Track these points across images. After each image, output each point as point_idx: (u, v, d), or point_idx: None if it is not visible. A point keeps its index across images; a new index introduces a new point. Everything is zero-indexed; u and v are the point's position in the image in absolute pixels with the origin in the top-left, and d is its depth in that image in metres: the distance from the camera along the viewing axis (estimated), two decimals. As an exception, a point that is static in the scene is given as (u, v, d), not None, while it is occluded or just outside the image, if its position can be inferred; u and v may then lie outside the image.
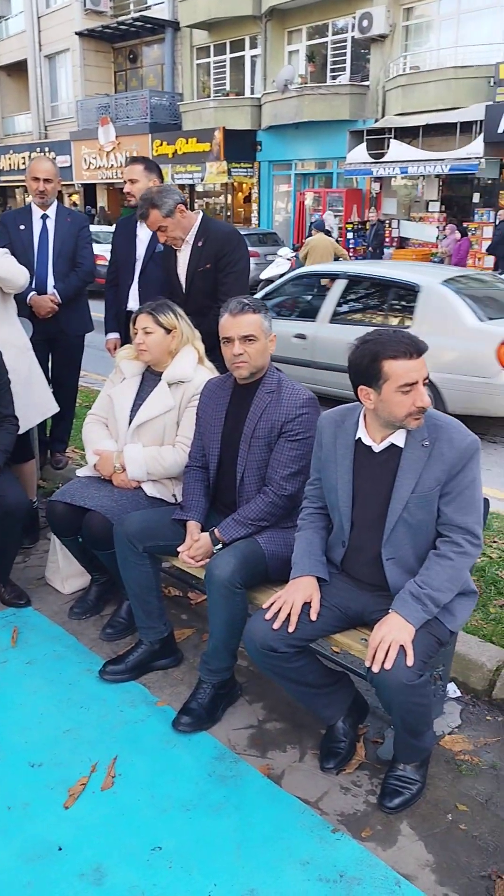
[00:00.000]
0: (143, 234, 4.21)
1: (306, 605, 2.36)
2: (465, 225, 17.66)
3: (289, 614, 2.33)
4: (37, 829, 2.22)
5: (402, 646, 2.15)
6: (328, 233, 16.82)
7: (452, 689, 2.84)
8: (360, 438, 2.39)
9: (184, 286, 3.75)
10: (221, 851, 2.15)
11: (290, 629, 2.31)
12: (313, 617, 2.35)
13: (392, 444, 2.33)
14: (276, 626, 2.32)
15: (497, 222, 16.34)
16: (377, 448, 2.36)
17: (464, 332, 6.01)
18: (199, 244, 3.67)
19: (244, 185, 24.83)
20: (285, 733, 2.66)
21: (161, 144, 24.50)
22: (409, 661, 2.13)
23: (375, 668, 2.14)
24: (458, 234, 15.44)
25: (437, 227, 19.37)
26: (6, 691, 2.83)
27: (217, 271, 3.66)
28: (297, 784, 2.42)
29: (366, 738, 2.62)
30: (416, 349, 2.18)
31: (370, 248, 17.30)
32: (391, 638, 2.16)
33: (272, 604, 2.38)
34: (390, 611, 2.24)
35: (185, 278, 3.74)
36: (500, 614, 3.25)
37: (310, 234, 14.14)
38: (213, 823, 2.25)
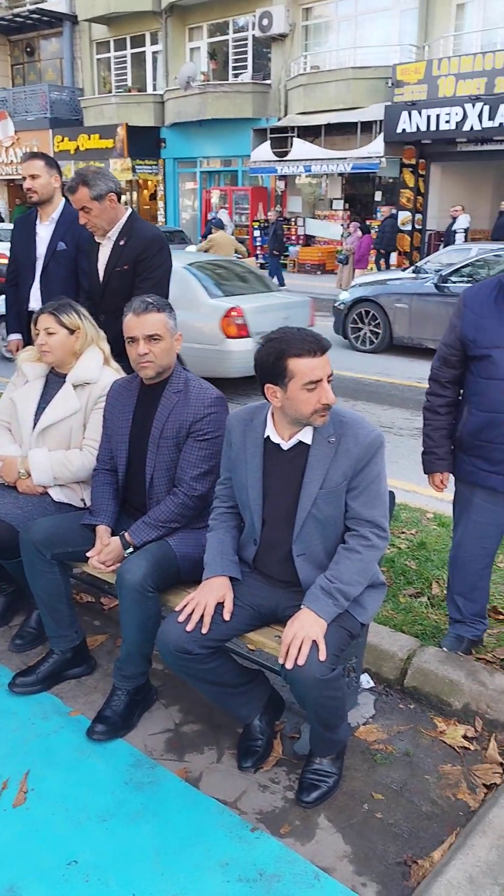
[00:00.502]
0: (44, 232, 4.10)
1: (219, 606, 2.35)
2: (367, 222, 18.07)
3: (202, 616, 2.32)
4: None
5: (314, 641, 2.17)
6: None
7: (366, 680, 2.89)
8: (268, 437, 2.40)
9: (101, 285, 3.66)
10: (140, 860, 2.12)
11: (204, 630, 2.30)
12: (226, 617, 2.34)
13: (300, 442, 2.35)
14: (189, 628, 2.30)
15: (382, 219, 16.85)
16: (285, 446, 2.37)
17: (198, 308, 7.32)
18: (121, 243, 3.57)
19: (149, 183, 24.64)
20: (202, 735, 2.65)
21: (62, 140, 24.03)
22: (322, 656, 2.15)
23: (289, 665, 2.15)
24: (360, 233, 15.78)
25: (342, 225, 19.73)
26: None
27: (135, 275, 3.56)
28: (216, 785, 2.41)
29: (282, 734, 2.64)
30: (319, 347, 2.20)
31: (272, 249, 17.39)
32: (303, 634, 2.18)
33: (185, 606, 2.36)
34: (302, 606, 2.26)
35: (102, 276, 3.65)
36: (410, 604, 3.33)
37: (210, 232, 14.30)
38: (131, 832, 2.21)
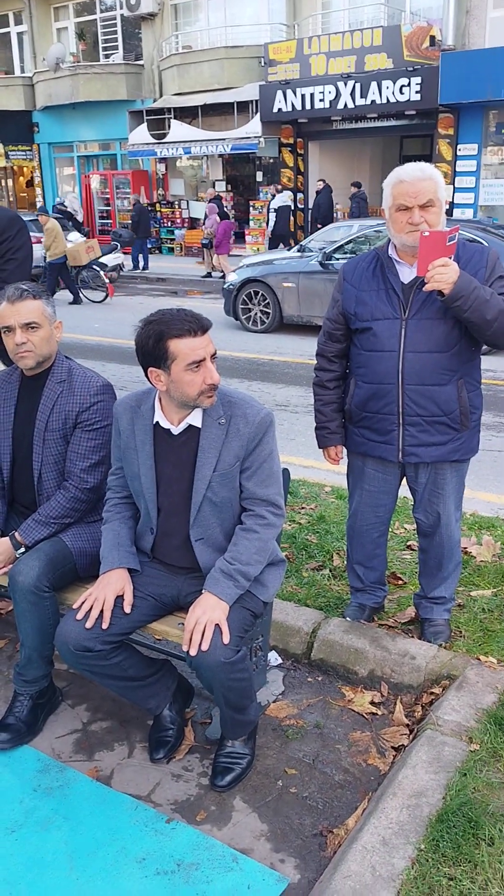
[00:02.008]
0: None
1: (119, 599, 2.29)
2: (251, 203, 18.09)
3: (101, 611, 2.25)
4: None
5: (217, 625, 2.14)
6: (70, 216, 16.76)
7: (273, 658, 2.90)
8: (157, 422, 2.34)
9: None
10: (53, 868, 2.05)
11: (104, 626, 2.24)
12: (127, 610, 2.29)
13: (190, 426, 2.31)
14: (88, 624, 2.23)
15: (270, 198, 17.03)
16: (176, 430, 2.32)
17: None
18: None
19: (25, 170, 23.82)
20: (112, 731, 2.59)
21: None
22: (226, 639, 2.13)
23: (192, 652, 2.12)
24: (216, 217, 15.65)
25: (226, 208, 19.70)
26: None
27: None
28: (128, 780, 2.36)
29: (193, 720, 2.61)
30: (199, 326, 2.16)
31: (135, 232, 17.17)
32: (206, 619, 2.15)
33: (83, 603, 2.29)
34: (203, 591, 2.23)
35: None
36: (313, 577, 3.37)
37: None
38: (43, 840, 2.14)
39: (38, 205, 22.71)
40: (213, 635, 2.13)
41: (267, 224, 17.58)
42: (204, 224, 16.30)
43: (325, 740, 2.52)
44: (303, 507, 4.14)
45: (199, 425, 2.30)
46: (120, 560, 2.37)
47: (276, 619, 2.89)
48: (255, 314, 10.55)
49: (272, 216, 16.67)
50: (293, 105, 16.35)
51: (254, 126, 17.33)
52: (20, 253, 3.50)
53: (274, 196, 17.12)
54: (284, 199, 16.77)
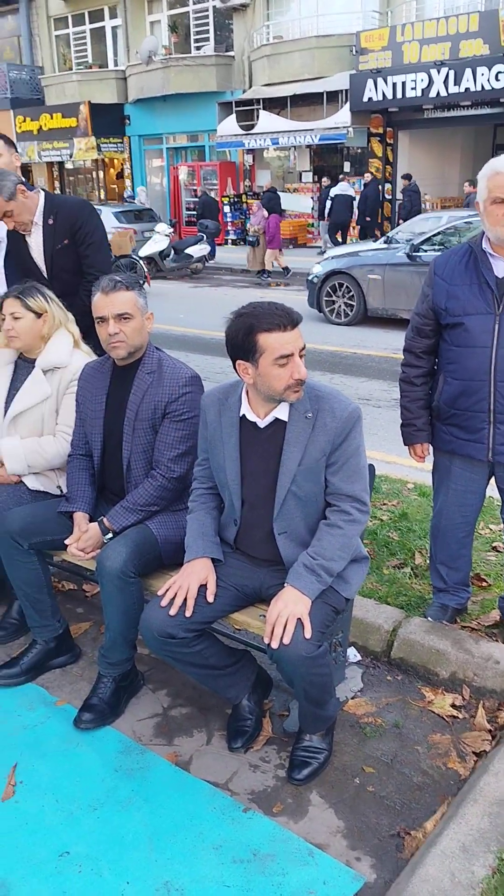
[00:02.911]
0: (1, 214, 3.98)
1: (202, 588, 2.32)
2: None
3: (185, 599, 2.29)
4: None
5: (299, 619, 2.15)
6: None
7: (353, 654, 2.89)
8: (244, 415, 2.36)
9: (44, 269, 3.56)
10: (132, 847, 2.10)
11: (188, 614, 2.27)
12: (210, 599, 2.31)
13: (276, 419, 2.31)
14: (172, 612, 2.27)
15: (363, 188, 16.80)
16: (262, 423, 2.33)
17: None
18: (50, 222, 3.48)
19: (115, 161, 24.27)
20: (191, 718, 2.63)
21: (24, 120, 23.56)
22: (307, 634, 2.13)
23: (274, 644, 2.13)
24: (264, 212, 15.20)
25: (312, 198, 19.61)
26: None
27: (76, 245, 3.50)
28: (206, 767, 2.40)
29: (271, 712, 2.63)
30: (290, 321, 2.15)
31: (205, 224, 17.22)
32: (288, 612, 2.15)
33: (167, 590, 2.33)
34: (285, 584, 2.24)
35: (43, 261, 3.55)
36: (394, 575, 3.33)
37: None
38: (123, 819, 2.19)
39: (128, 196, 23.15)
40: (295, 630, 2.13)
41: (321, 212, 17.39)
42: (251, 221, 16.04)
43: (404, 740, 2.49)
44: (384, 504, 4.09)
45: (286, 419, 2.30)
46: (204, 549, 2.40)
47: (356, 616, 2.87)
48: (339, 306, 10.47)
49: (328, 204, 16.49)
50: (384, 94, 16.09)
51: (343, 116, 17.14)
52: (95, 235, 3.55)
53: (329, 185, 16.94)
54: (344, 187, 16.57)
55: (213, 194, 19.67)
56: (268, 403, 2.30)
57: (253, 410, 2.33)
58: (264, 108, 18.66)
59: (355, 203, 16.63)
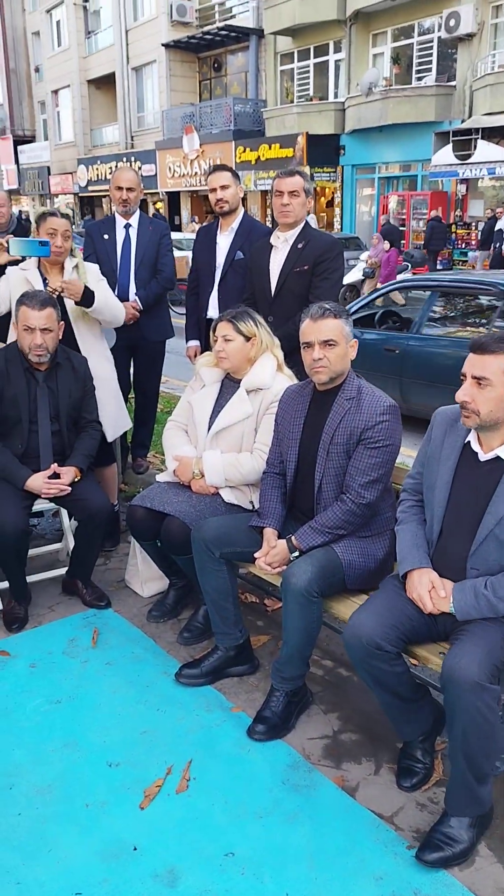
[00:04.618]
0: (223, 242, 4.25)
1: (407, 606, 2.33)
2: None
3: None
4: (113, 828, 2.26)
5: (471, 652, 2.08)
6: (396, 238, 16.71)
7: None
8: (469, 443, 2.34)
9: (273, 287, 3.79)
10: (294, 861, 2.14)
11: (429, 609, 2.27)
12: (441, 594, 2.28)
13: (498, 457, 2.28)
14: (429, 609, 2.28)
15: (488, 217, 16.19)
16: (483, 457, 2.30)
17: None
18: (300, 246, 3.76)
19: (327, 190, 24.77)
20: (360, 745, 2.63)
21: (244, 151, 24.69)
22: (478, 660, 2.06)
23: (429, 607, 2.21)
24: (385, 245, 14.40)
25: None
26: (88, 691, 2.90)
27: (313, 275, 3.72)
28: (372, 798, 2.39)
29: (443, 754, 2.56)
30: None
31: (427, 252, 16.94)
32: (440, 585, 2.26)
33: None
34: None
35: (277, 278, 3.78)
36: None
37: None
38: (287, 832, 2.24)
39: (337, 224, 23.53)
40: (468, 657, 2.06)
41: (482, 243, 16.72)
42: (369, 253, 15.19)
43: None
44: None
45: None
46: (420, 560, 2.38)
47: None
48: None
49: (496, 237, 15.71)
50: None
51: None
52: (335, 274, 3.79)
53: (494, 216, 16.13)
54: None
55: (423, 223, 19.53)
56: (492, 437, 2.27)
57: (479, 441, 2.31)
58: (483, 138, 18.26)
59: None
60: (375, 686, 2.36)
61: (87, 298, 3.53)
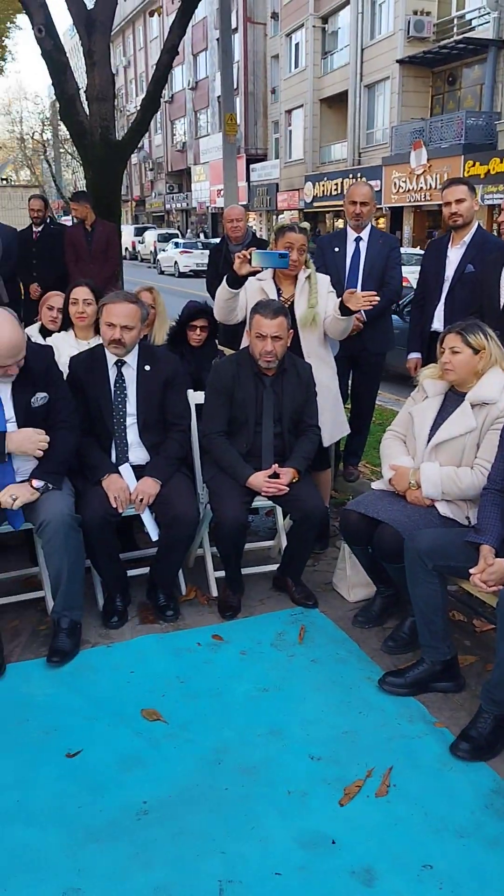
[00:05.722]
0: (454, 256, 4.21)
1: None
2: None
3: None
4: (312, 819, 2.32)
5: None
6: None
7: None
8: None
9: (503, 301, 3.72)
10: (496, 886, 2.08)
11: None
12: None
13: None
14: None
15: None
16: None
17: None
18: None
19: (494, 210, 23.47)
20: None
21: (473, 165, 24.08)
22: None
23: None
24: None
25: None
26: (293, 684, 3.00)
27: None
28: None
29: None
30: None
31: None
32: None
33: None
34: None
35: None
36: None
37: None
38: (489, 856, 2.18)
39: None
40: None
41: None
42: None
43: None
44: None
45: None
46: None
47: None
48: None
49: None
50: None
51: None
52: None
53: None
54: None
55: None
56: None
57: None
58: None
59: None
60: None
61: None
